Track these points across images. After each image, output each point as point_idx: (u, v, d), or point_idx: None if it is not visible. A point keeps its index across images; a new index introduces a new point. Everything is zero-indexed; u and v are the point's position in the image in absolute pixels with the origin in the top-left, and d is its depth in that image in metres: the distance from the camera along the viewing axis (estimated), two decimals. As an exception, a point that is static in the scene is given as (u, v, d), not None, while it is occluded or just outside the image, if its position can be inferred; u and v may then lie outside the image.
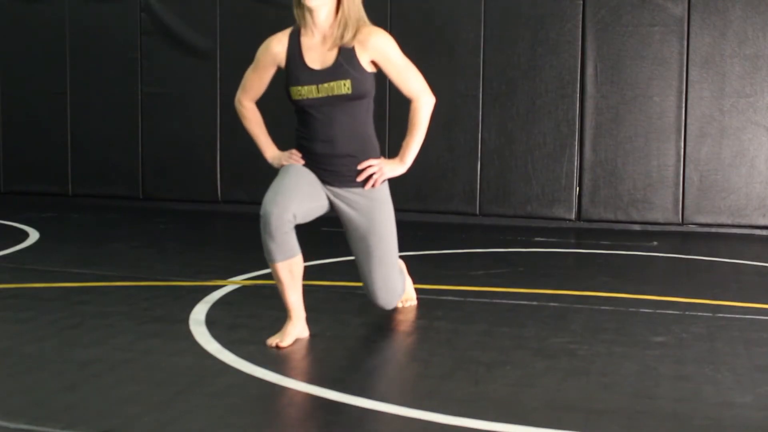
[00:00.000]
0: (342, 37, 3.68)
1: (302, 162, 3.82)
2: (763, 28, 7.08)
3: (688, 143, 7.26)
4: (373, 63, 3.74)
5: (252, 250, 6.11)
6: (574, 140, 7.44)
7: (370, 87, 3.76)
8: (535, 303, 4.55)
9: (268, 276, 5.08)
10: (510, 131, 7.57)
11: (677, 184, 7.29)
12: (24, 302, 4.47)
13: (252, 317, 4.18)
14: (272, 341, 3.69)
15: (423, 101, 3.88)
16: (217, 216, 8.05)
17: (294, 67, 3.73)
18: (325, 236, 6.47)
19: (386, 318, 4.25)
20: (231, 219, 7.87)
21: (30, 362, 3.45)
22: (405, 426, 2.83)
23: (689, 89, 7.22)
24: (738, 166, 7.19)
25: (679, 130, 7.27)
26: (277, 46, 3.78)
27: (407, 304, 4.43)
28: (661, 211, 7.33)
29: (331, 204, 3.88)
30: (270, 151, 3.96)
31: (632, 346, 3.75)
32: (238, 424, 2.81)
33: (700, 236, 7.12)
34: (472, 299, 4.63)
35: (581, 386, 3.22)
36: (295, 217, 3.62)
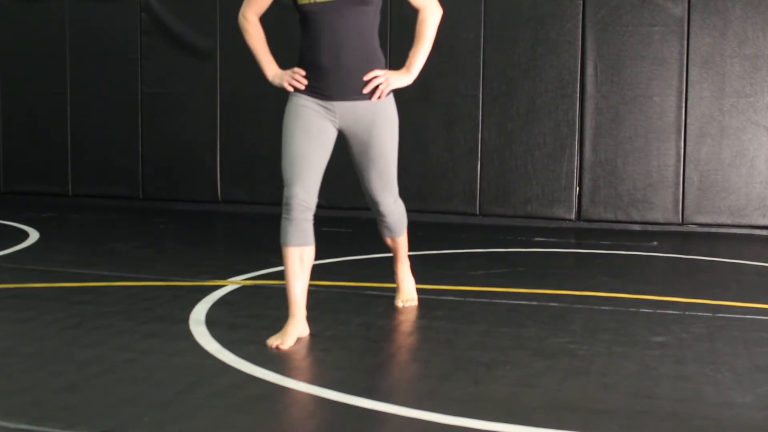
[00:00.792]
0: None
1: (304, 83, 3.74)
2: (763, 28, 7.08)
3: (688, 143, 7.26)
4: None
5: (252, 250, 6.13)
6: (574, 140, 7.44)
7: None
8: (535, 303, 4.55)
9: (268, 276, 5.08)
10: (510, 131, 7.57)
11: (677, 184, 7.29)
12: (24, 302, 4.47)
13: (252, 317, 4.18)
14: (273, 342, 3.69)
15: (430, 11, 3.88)
16: (217, 216, 8.05)
17: None
18: (326, 236, 6.47)
19: (386, 318, 4.25)
20: (231, 219, 7.87)
21: (30, 362, 3.44)
22: (405, 426, 2.83)
23: (689, 89, 7.23)
24: (738, 166, 7.19)
25: (679, 130, 7.27)
26: None
27: (407, 304, 4.43)
28: (661, 211, 7.33)
29: (336, 127, 3.81)
30: (271, 69, 3.86)
31: (632, 346, 3.75)
32: (238, 424, 2.81)
33: (700, 236, 7.12)
34: (472, 299, 4.63)
35: (581, 386, 3.22)
36: (315, 199, 3.67)
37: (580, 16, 7.37)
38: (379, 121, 3.82)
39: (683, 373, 3.38)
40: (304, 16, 3.70)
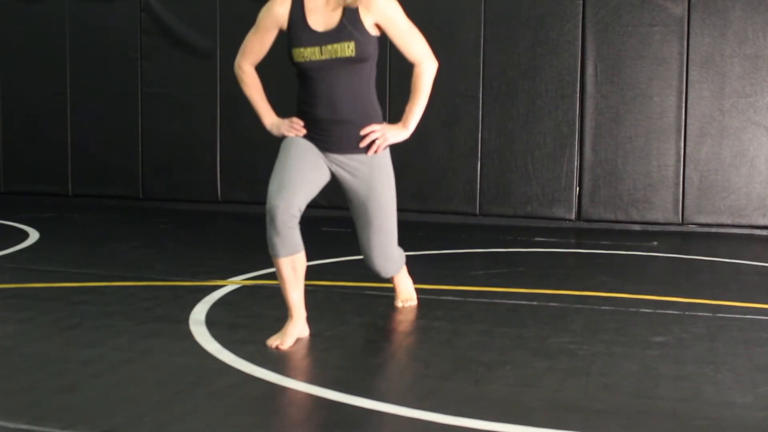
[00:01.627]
0: None
1: (302, 132, 3.76)
2: (763, 28, 7.08)
3: (688, 143, 7.26)
4: (377, 26, 3.70)
5: (252, 250, 6.12)
6: (574, 140, 7.44)
7: (374, 50, 3.71)
8: (535, 303, 4.54)
9: (268, 276, 5.08)
10: (510, 131, 7.57)
11: (677, 184, 7.29)
12: (24, 302, 4.47)
13: (252, 317, 4.18)
14: (272, 342, 3.69)
15: (426, 66, 3.86)
16: (217, 216, 8.05)
17: (297, 29, 3.67)
18: (326, 236, 6.47)
19: (386, 318, 4.25)
20: (231, 219, 7.87)
21: (30, 362, 3.44)
22: (405, 426, 2.83)
23: (689, 89, 7.23)
24: (738, 166, 7.19)
25: (679, 130, 7.27)
26: (279, 8, 3.72)
27: (407, 304, 4.43)
28: (661, 211, 7.33)
29: (332, 173, 3.83)
30: (269, 118, 3.88)
31: (632, 346, 3.75)
32: (238, 424, 2.81)
33: (700, 236, 7.12)
34: (472, 299, 4.63)
35: (581, 386, 3.22)
36: (300, 210, 3.63)
37: (580, 16, 7.37)
38: (376, 176, 3.83)
39: (683, 373, 3.38)
40: (301, 72, 3.72)
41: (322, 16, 3.66)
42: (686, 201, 7.28)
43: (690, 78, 7.21)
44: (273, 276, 5.07)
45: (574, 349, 3.70)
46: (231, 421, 2.83)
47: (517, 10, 7.50)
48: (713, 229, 7.27)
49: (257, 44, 3.84)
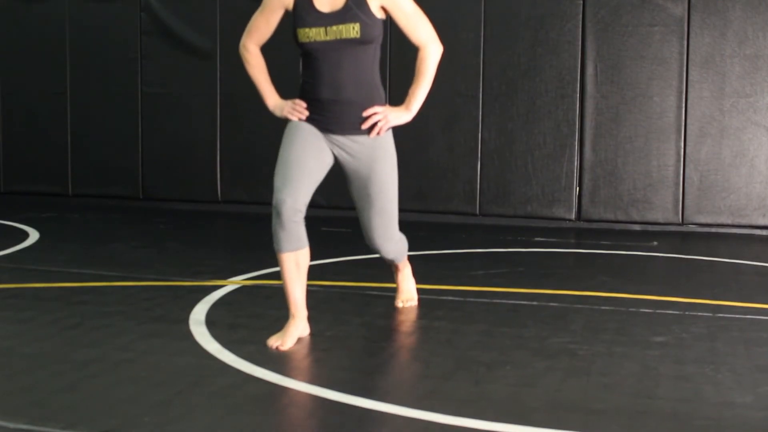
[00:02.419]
0: None
1: (305, 114, 3.75)
2: (763, 28, 7.08)
3: (688, 143, 7.26)
4: (383, 9, 3.70)
5: (252, 250, 6.12)
6: (574, 140, 7.44)
7: (378, 33, 3.71)
8: (535, 303, 4.55)
9: (268, 276, 5.08)
10: (510, 131, 7.57)
11: (677, 184, 7.29)
12: (24, 302, 4.47)
13: (252, 317, 4.18)
14: (273, 343, 3.69)
15: (431, 50, 3.86)
16: (217, 216, 8.05)
17: (302, 10, 3.67)
18: (326, 236, 6.47)
19: (386, 318, 4.25)
20: (231, 219, 7.87)
21: (30, 362, 3.44)
22: (405, 426, 2.83)
23: (689, 89, 7.23)
24: (738, 166, 7.19)
25: (679, 130, 7.27)
26: None
27: (407, 305, 4.43)
28: (661, 211, 7.33)
29: (334, 156, 3.82)
30: (272, 99, 3.87)
31: (632, 346, 3.75)
32: (238, 424, 2.81)
33: (700, 236, 7.12)
34: (472, 299, 4.63)
35: (581, 386, 3.22)
36: (305, 204, 3.64)
37: (580, 16, 7.37)
38: (378, 157, 3.82)
39: (683, 373, 3.38)
40: (306, 53, 3.72)
41: None
42: (686, 201, 7.28)
43: (690, 78, 7.21)
44: (273, 276, 5.07)
45: (574, 349, 3.70)
46: (231, 421, 2.83)
47: (517, 10, 7.50)
48: (713, 229, 7.27)
49: (263, 24, 3.83)
